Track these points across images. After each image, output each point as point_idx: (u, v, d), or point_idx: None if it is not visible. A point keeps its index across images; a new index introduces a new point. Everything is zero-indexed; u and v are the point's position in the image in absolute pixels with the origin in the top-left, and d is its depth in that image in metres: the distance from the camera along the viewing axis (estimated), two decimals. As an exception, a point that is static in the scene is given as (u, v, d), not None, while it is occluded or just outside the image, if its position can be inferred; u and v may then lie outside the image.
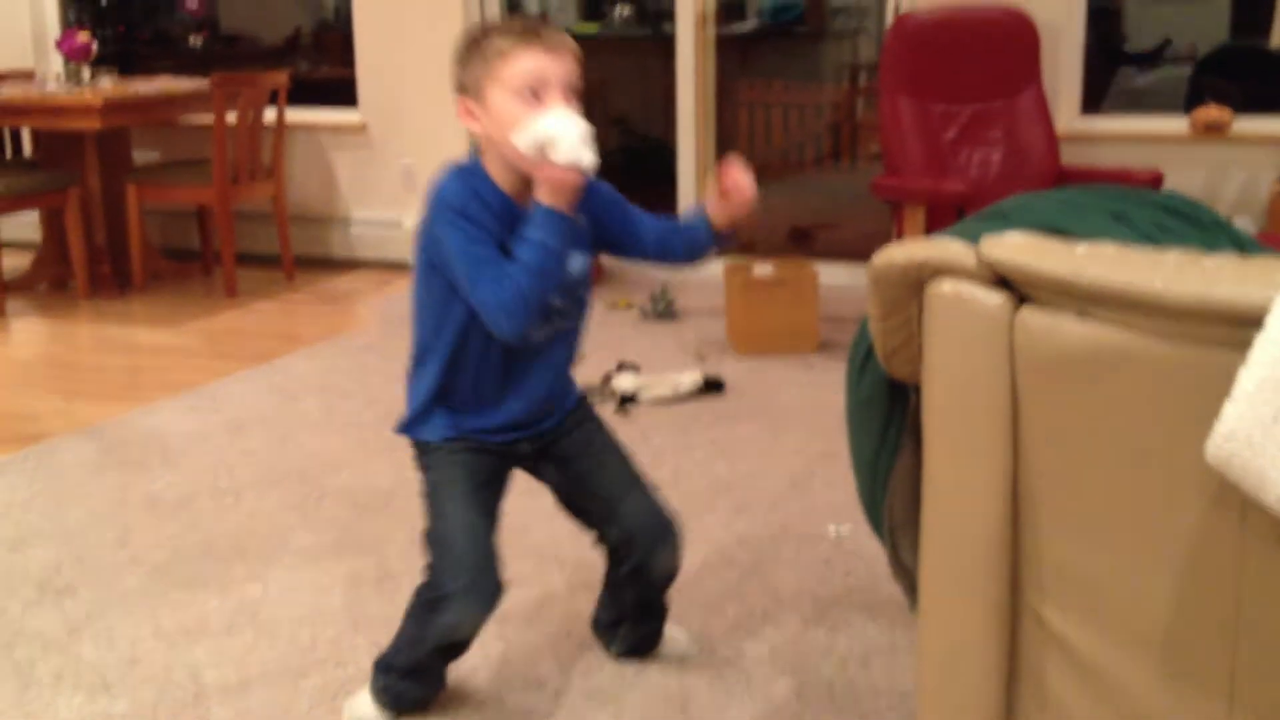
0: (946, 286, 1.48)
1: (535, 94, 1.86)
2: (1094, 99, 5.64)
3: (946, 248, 1.49)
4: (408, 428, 2.08)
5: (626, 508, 2.13)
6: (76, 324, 5.00)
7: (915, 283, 1.52)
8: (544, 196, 1.85)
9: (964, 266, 1.47)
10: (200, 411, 3.83)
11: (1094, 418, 1.41)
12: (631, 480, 2.16)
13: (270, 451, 3.48)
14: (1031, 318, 1.43)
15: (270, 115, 5.44)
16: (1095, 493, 1.42)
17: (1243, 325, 1.26)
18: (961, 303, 1.47)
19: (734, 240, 2.11)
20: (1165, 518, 1.36)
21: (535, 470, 2.16)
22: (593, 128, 1.84)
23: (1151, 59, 7.51)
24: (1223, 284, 1.31)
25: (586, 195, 1.93)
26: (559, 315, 2.01)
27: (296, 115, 5.71)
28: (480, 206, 1.89)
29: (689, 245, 2.10)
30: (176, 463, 3.40)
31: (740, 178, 2.02)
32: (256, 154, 5.39)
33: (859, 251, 5.40)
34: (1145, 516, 1.38)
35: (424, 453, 2.07)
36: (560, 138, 1.81)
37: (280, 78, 5.47)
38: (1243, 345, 1.25)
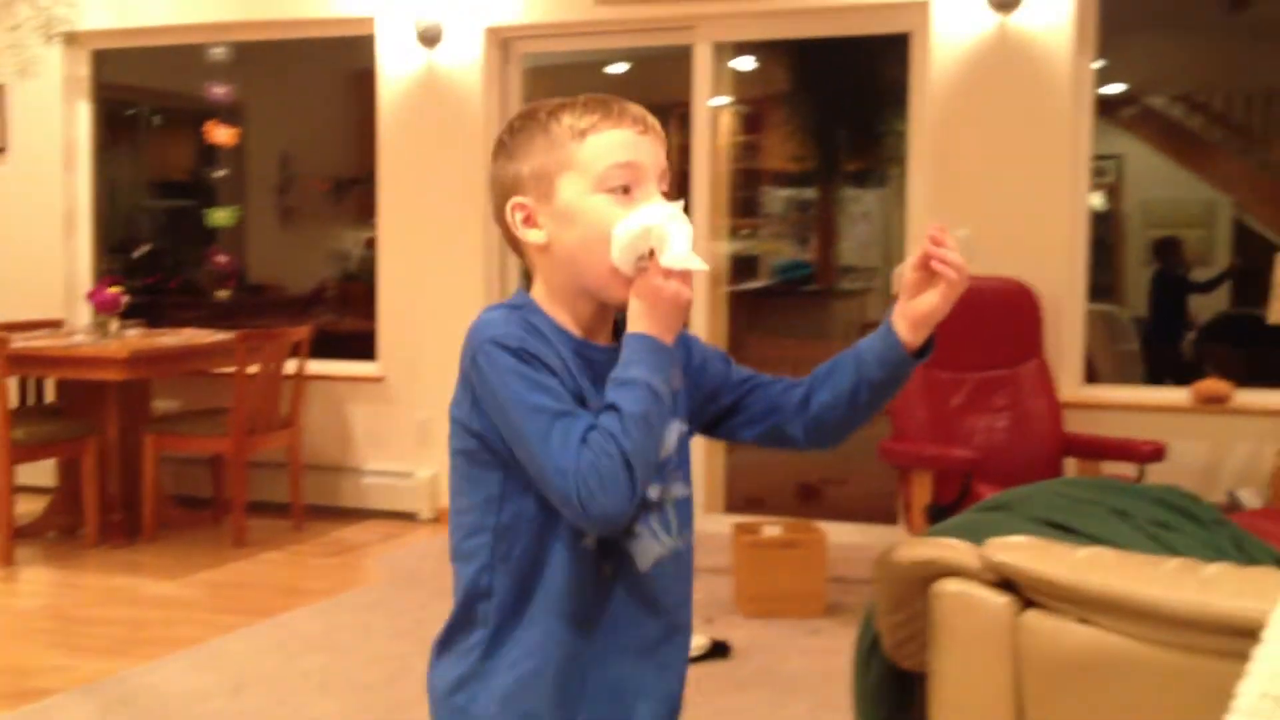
0: (952, 586, 1.51)
1: (625, 186, 1.37)
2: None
3: (951, 548, 1.53)
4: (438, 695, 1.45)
5: None
6: (83, 573, 4.99)
7: (921, 581, 1.55)
8: (640, 321, 1.34)
9: (969, 568, 1.50)
10: (201, 670, 3.78)
11: (1100, 722, 1.41)
12: None
13: (269, 715, 3.42)
14: (1035, 620, 1.45)
15: (291, 366, 5.57)
16: (1104, 800, 1.41)
17: (1240, 636, 1.28)
18: (966, 603, 1.49)
19: (930, 349, 1.43)
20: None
21: None
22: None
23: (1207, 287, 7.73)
24: (1220, 595, 1.33)
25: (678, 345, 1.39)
26: (653, 517, 1.41)
27: (317, 366, 5.83)
28: (541, 342, 1.35)
29: (864, 384, 1.42)
30: (175, 724, 3.35)
31: (949, 240, 1.39)
32: (275, 405, 5.49)
33: (867, 509, 5.43)
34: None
35: None
36: (670, 235, 1.34)
37: (302, 332, 5.62)
38: (1242, 656, 1.26)
